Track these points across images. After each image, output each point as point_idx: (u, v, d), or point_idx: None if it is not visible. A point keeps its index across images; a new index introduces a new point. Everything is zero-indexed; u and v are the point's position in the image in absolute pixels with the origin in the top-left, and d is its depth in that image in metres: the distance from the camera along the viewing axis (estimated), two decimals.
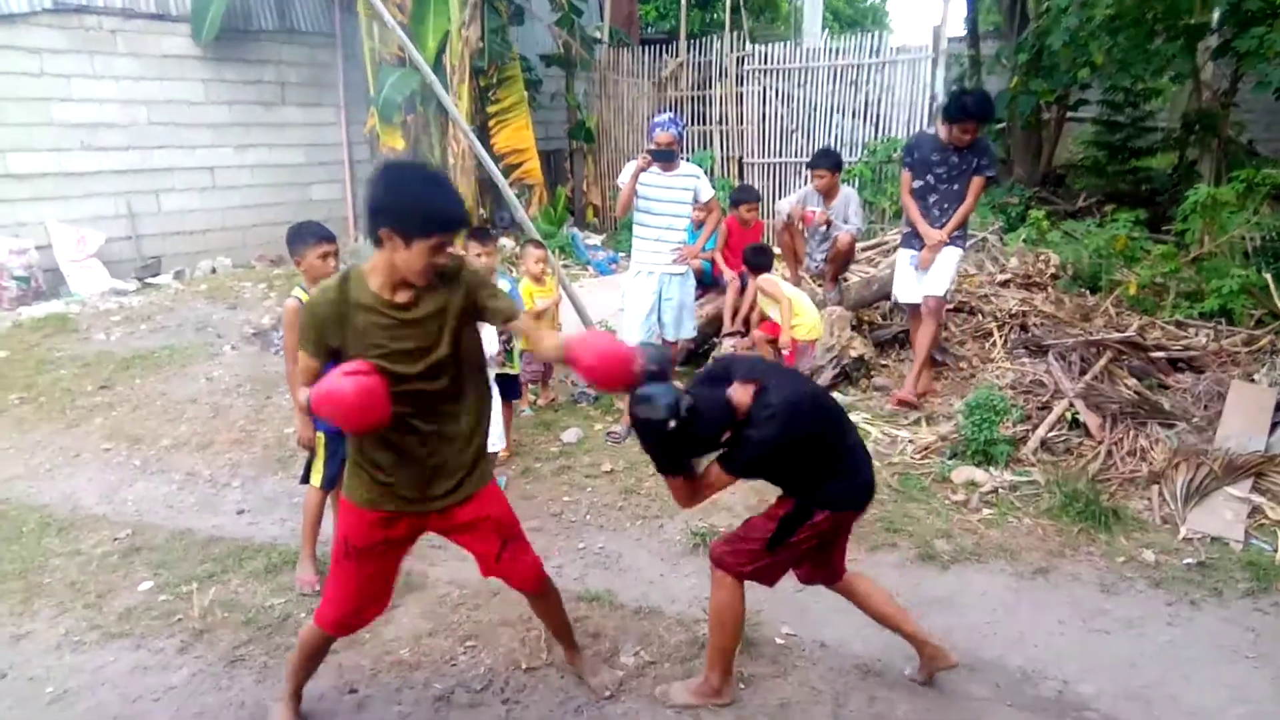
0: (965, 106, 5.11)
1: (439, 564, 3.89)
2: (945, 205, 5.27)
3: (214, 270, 9.78)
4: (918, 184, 5.35)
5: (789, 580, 3.69)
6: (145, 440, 5.32)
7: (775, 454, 2.59)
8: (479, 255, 4.80)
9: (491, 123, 10.57)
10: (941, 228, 5.25)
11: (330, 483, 3.71)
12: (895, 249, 7.01)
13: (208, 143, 9.85)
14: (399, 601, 3.56)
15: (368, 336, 2.35)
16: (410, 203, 2.27)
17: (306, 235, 3.57)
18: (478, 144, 6.64)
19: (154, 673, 3.16)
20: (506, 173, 9.98)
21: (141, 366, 6.61)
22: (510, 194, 6.30)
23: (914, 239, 5.44)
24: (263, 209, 10.41)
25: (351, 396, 2.21)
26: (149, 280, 9.19)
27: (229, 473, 4.90)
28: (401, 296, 2.37)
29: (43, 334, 7.32)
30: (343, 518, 2.61)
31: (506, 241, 10.87)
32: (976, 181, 5.20)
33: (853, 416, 5.34)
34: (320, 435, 3.63)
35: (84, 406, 5.85)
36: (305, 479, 3.72)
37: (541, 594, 2.87)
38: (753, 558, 2.77)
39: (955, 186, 5.22)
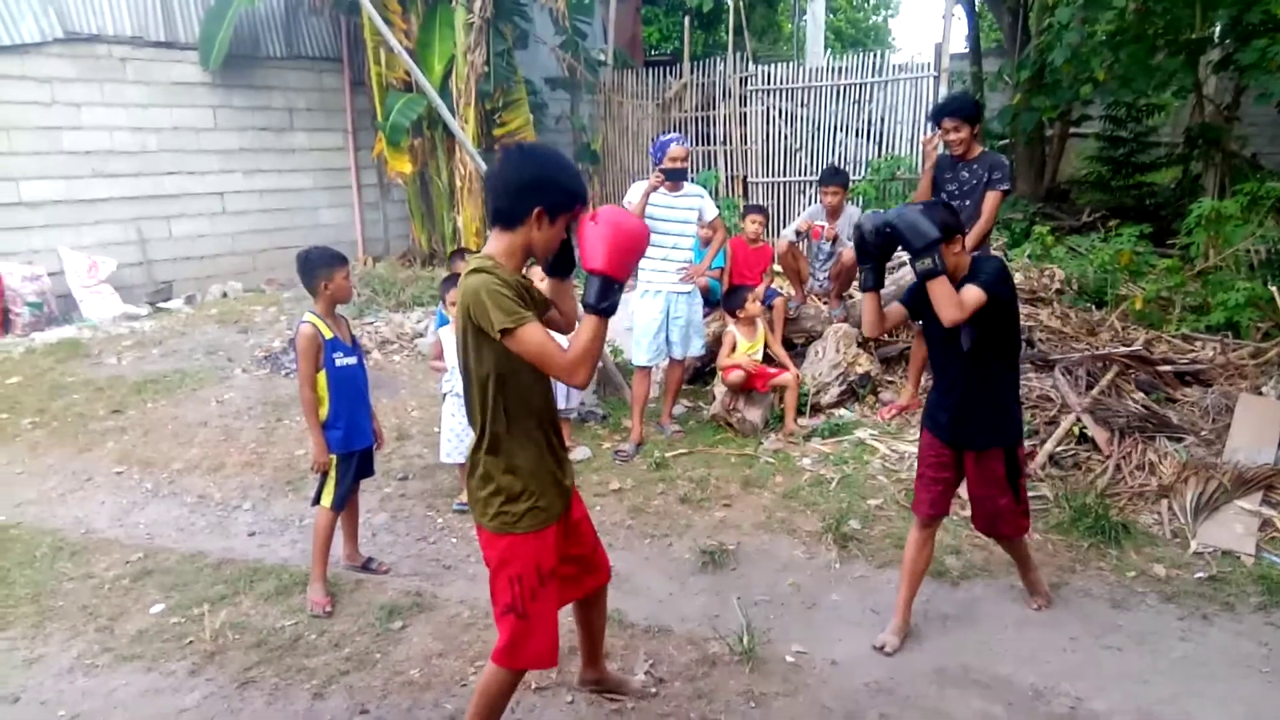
0: (943, 104, 5.19)
1: (448, 585, 3.90)
2: None
3: (225, 294, 9.87)
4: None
5: (799, 597, 3.72)
6: (157, 463, 5.36)
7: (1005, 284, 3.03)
8: None
9: (498, 145, 10.66)
10: None
11: (341, 504, 3.74)
12: (900, 265, 7.03)
13: (217, 168, 9.97)
14: (409, 622, 3.58)
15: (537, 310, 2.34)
16: (561, 178, 2.31)
17: (333, 260, 3.62)
18: (484, 166, 6.68)
19: (166, 695, 3.17)
20: None
21: (153, 390, 6.65)
22: None
23: None
24: (272, 233, 10.52)
25: (630, 218, 2.30)
26: (160, 305, 9.27)
27: (240, 495, 4.93)
28: (525, 279, 2.40)
29: (55, 359, 7.38)
30: (521, 552, 2.40)
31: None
32: (990, 196, 5.05)
33: (859, 433, 5.38)
34: (333, 457, 3.66)
35: (96, 431, 5.89)
36: (317, 500, 3.75)
37: (605, 589, 2.90)
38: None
39: (967, 203, 5.11)
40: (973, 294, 2.95)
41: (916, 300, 3.17)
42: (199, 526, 4.58)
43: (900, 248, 3.02)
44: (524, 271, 2.39)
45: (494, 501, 2.38)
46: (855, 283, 6.85)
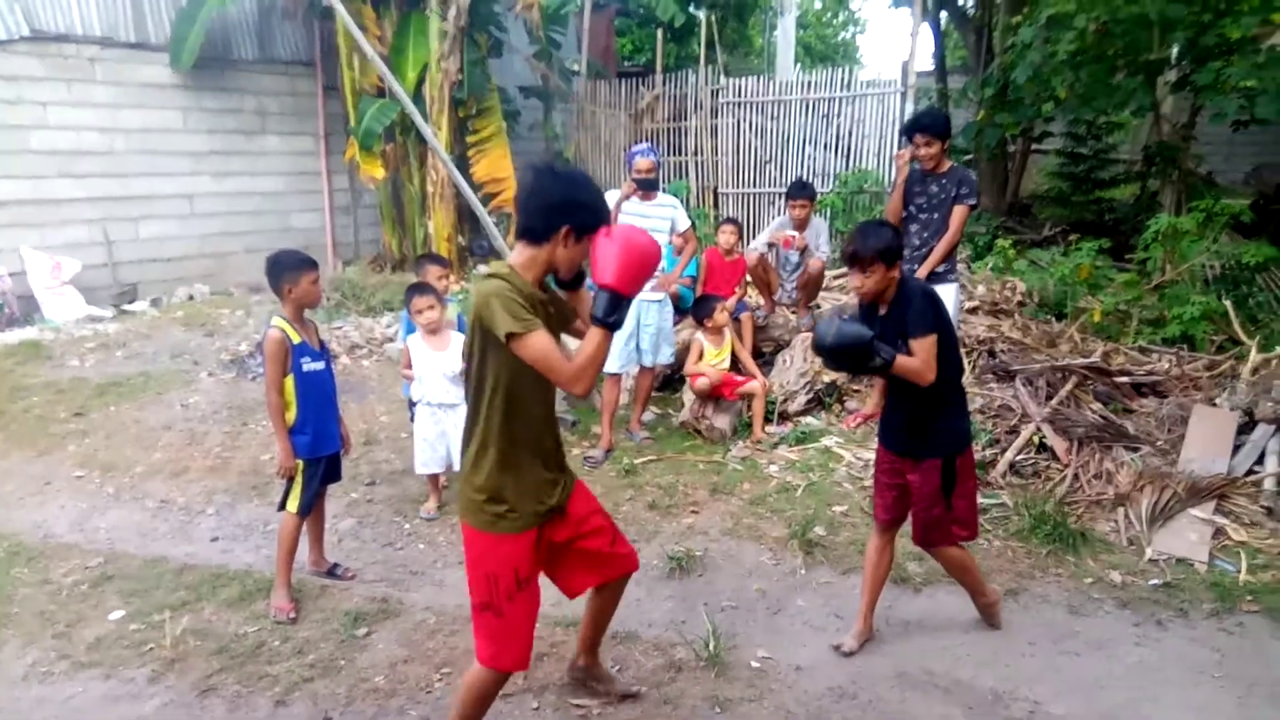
0: (916, 120, 5.30)
1: (415, 591, 3.89)
2: (926, 235, 5.28)
3: (191, 297, 9.75)
4: (904, 214, 5.41)
5: (764, 602, 3.76)
6: (119, 467, 5.28)
7: (936, 317, 3.08)
8: (440, 278, 4.89)
9: (470, 152, 10.66)
10: (924, 258, 5.27)
11: (307, 509, 3.72)
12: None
13: (186, 170, 9.87)
14: (374, 628, 3.56)
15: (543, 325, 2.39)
16: (590, 200, 2.42)
17: (300, 263, 3.60)
18: (456, 173, 6.70)
19: (124, 703, 3.13)
20: (485, 202, 10.05)
21: (116, 393, 6.56)
22: (489, 222, 6.38)
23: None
24: (241, 237, 10.42)
25: (643, 236, 2.40)
26: (125, 307, 9.15)
27: (204, 500, 4.87)
28: (543, 294, 2.48)
29: (16, 361, 7.24)
30: (498, 553, 2.47)
31: (484, 269, 10.93)
32: (958, 210, 5.17)
33: (825, 441, 5.44)
34: (299, 463, 3.64)
35: (56, 434, 5.79)
36: (282, 506, 3.72)
37: (627, 578, 2.93)
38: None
39: (936, 216, 5.23)
40: (926, 346, 3.04)
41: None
42: (161, 532, 4.53)
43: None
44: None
45: (476, 499, 2.47)
46: (821, 292, 6.95)
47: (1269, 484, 4.49)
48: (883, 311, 3.16)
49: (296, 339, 3.59)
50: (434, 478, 4.71)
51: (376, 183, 10.56)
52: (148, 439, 5.73)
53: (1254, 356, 5.71)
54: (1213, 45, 7.41)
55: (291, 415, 3.62)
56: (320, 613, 3.68)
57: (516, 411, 2.43)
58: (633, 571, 2.90)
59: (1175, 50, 8.50)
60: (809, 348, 6.10)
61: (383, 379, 7.10)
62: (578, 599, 2.90)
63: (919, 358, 3.04)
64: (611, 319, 2.36)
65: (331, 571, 3.99)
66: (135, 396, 6.53)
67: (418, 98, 10.02)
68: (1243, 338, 6.14)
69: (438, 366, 4.51)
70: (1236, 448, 4.74)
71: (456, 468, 4.62)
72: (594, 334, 2.37)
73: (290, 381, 3.59)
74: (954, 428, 3.24)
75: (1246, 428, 4.86)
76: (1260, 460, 4.66)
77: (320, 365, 3.70)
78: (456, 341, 4.54)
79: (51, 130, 8.73)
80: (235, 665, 3.32)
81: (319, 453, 3.70)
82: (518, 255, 2.44)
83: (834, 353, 3.01)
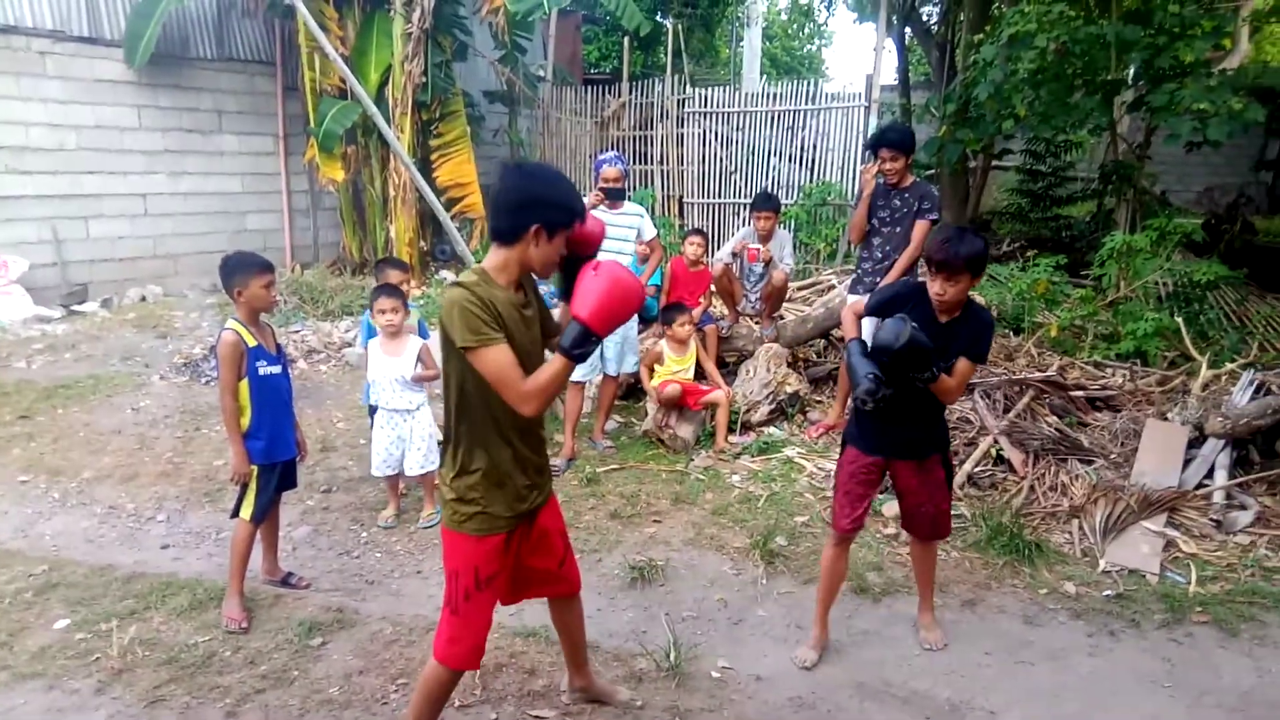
0: (881, 134, 5.38)
1: (371, 600, 3.83)
2: (888, 248, 5.36)
3: (144, 298, 9.54)
4: (868, 227, 5.46)
5: (726, 613, 3.75)
6: (66, 472, 5.14)
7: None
8: (400, 283, 4.84)
9: (434, 156, 10.57)
10: (885, 272, 5.33)
11: (261, 516, 3.64)
12: (829, 289, 7.17)
13: (140, 169, 9.65)
14: (329, 639, 3.50)
15: (515, 331, 2.36)
16: (561, 197, 2.37)
17: (250, 265, 3.52)
18: (419, 176, 6.63)
19: (69, 714, 3.03)
20: (448, 206, 9.96)
21: (64, 396, 6.39)
22: (452, 227, 6.32)
23: (859, 285, 5.53)
24: (197, 237, 10.22)
25: (630, 279, 2.32)
26: (75, 308, 8.92)
27: (154, 506, 4.75)
28: (519, 296, 2.44)
29: None
30: (462, 552, 2.48)
31: (448, 274, 10.84)
32: (920, 225, 5.23)
33: (788, 451, 5.46)
34: (254, 468, 3.57)
35: (1, 437, 5.62)
36: (236, 513, 3.64)
37: (576, 598, 2.92)
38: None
39: (898, 229, 5.30)
40: (969, 372, 3.15)
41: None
42: (109, 538, 4.41)
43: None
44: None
45: (448, 498, 2.49)
46: (785, 304, 6.98)
47: (1218, 497, 4.60)
48: (944, 319, 3.14)
49: (252, 342, 3.52)
50: (393, 484, 4.64)
51: (336, 185, 10.42)
52: (97, 443, 5.58)
53: (1204, 372, 5.85)
54: (1167, 67, 7.59)
55: (246, 420, 3.55)
56: (273, 622, 3.60)
57: (485, 415, 2.41)
58: (572, 595, 2.89)
59: (1132, 71, 8.70)
60: (771, 357, 6.13)
61: (340, 384, 6.99)
62: (539, 613, 2.86)
63: (957, 380, 3.12)
64: (577, 351, 2.30)
65: (285, 580, 3.92)
66: (84, 399, 6.36)
67: (380, 100, 9.93)
68: (1194, 354, 6.28)
69: (390, 371, 4.45)
70: (1187, 461, 4.84)
71: (409, 472, 4.57)
72: (557, 361, 2.31)
73: (245, 385, 3.52)
74: (945, 424, 3.43)
75: (1197, 442, 4.97)
76: (1210, 474, 4.77)
77: (276, 369, 3.63)
78: (412, 347, 4.49)
79: None
80: (185, 676, 3.24)
81: (274, 458, 3.63)
82: (491, 258, 2.40)
83: (899, 355, 2.96)
